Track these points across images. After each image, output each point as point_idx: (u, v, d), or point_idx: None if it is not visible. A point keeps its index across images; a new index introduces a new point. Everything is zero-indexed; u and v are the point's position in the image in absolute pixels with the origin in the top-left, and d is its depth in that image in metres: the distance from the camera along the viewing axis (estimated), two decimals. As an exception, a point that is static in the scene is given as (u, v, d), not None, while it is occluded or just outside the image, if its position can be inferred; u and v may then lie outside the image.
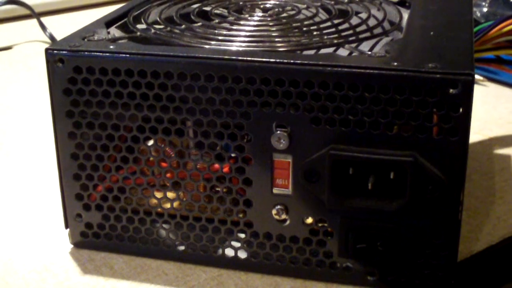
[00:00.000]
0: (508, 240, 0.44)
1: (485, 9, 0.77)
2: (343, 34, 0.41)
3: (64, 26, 0.92)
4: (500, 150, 0.55)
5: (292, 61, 0.36)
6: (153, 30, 0.42)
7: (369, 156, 0.36)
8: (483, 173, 0.52)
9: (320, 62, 0.35)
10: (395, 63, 0.35)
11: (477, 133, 0.58)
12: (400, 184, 0.36)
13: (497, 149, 0.56)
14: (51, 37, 0.83)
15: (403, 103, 0.35)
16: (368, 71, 0.35)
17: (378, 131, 0.36)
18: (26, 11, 0.91)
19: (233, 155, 0.38)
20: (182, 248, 0.41)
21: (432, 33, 0.40)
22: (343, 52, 0.39)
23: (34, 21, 0.88)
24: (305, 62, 0.35)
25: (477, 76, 0.69)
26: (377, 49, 0.40)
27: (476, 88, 0.67)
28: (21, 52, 0.84)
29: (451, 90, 0.34)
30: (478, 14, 0.77)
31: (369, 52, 0.37)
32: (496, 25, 0.52)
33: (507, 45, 0.54)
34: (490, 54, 0.54)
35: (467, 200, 0.48)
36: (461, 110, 0.34)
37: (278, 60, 0.36)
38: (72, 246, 0.43)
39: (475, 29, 0.52)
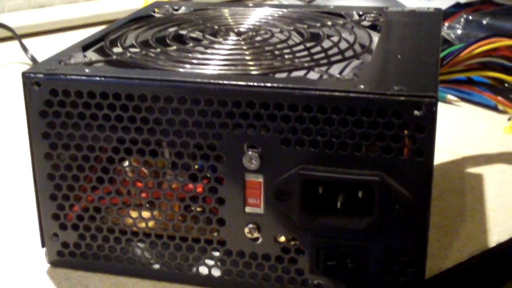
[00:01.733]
0: (476, 257, 0.45)
1: (459, 31, 0.79)
2: (315, 57, 0.42)
3: (46, 48, 0.92)
4: (472, 170, 0.57)
5: (262, 84, 0.37)
6: (128, 54, 0.43)
7: (338, 176, 0.37)
8: (455, 192, 0.53)
9: (290, 85, 0.36)
10: (362, 86, 0.36)
11: (449, 153, 0.59)
12: (369, 203, 0.37)
13: (468, 169, 0.57)
14: (33, 59, 0.84)
15: (370, 124, 0.36)
16: (335, 93, 0.36)
17: (346, 152, 0.37)
18: (7, 33, 0.92)
19: (206, 175, 0.39)
20: (157, 266, 0.42)
21: (399, 56, 0.41)
22: (313, 75, 0.40)
23: (16, 43, 0.89)
24: (275, 85, 0.36)
25: (451, 97, 0.70)
26: (346, 72, 0.41)
27: (450, 108, 0.69)
28: (2, 74, 0.85)
29: (415, 112, 0.35)
30: (453, 36, 0.79)
31: (338, 75, 0.38)
32: (466, 47, 0.53)
33: (478, 67, 0.55)
34: (461, 76, 0.55)
35: (438, 218, 0.49)
36: (425, 131, 0.35)
37: (249, 83, 0.37)
38: (48, 265, 0.44)
39: (447, 51, 0.53)
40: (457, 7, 0.89)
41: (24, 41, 0.88)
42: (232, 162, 0.38)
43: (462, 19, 0.80)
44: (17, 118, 0.69)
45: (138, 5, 0.94)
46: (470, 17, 0.80)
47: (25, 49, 0.86)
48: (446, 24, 0.81)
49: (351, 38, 0.46)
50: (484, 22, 0.79)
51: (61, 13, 1.03)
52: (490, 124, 0.65)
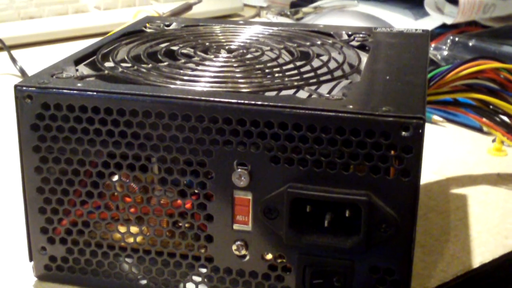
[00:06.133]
0: (460, 277, 0.45)
1: (445, 52, 0.80)
2: (304, 76, 0.43)
3: (35, 59, 0.93)
4: (456, 190, 0.57)
5: (253, 102, 0.37)
6: (120, 69, 0.43)
7: (326, 194, 0.37)
8: (439, 212, 0.53)
9: (280, 104, 0.37)
10: (351, 106, 0.36)
11: (435, 173, 0.60)
12: (355, 222, 0.37)
13: (453, 189, 0.57)
14: (21, 70, 0.84)
15: (358, 144, 0.36)
16: (325, 113, 0.36)
17: (335, 171, 0.37)
18: (-4, 44, 0.92)
19: (195, 191, 0.40)
20: (144, 282, 0.42)
21: (388, 77, 0.42)
22: (303, 94, 0.40)
23: (4, 54, 0.89)
24: (265, 103, 0.37)
25: (436, 117, 0.71)
26: (335, 91, 0.42)
27: (435, 129, 0.70)
28: (-10, 85, 0.85)
29: (403, 133, 0.36)
30: (439, 57, 0.80)
31: (327, 95, 0.39)
32: (453, 70, 0.54)
33: (464, 89, 0.56)
34: (447, 97, 0.56)
35: (423, 238, 0.49)
36: (412, 152, 0.36)
37: (239, 101, 0.37)
38: (36, 279, 0.44)
39: (434, 72, 0.54)
40: (443, 28, 0.90)
41: (13, 52, 0.88)
42: (222, 179, 0.39)
43: (449, 41, 0.81)
44: (6, 130, 0.69)
45: (128, 18, 0.95)
46: (457, 39, 0.81)
47: (14, 60, 0.86)
48: (433, 45, 0.82)
49: (340, 58, 0.47)
50: (470, 44, 0.80)
51: (51, 25, 1.03)
52: (474, 145, 0.66)
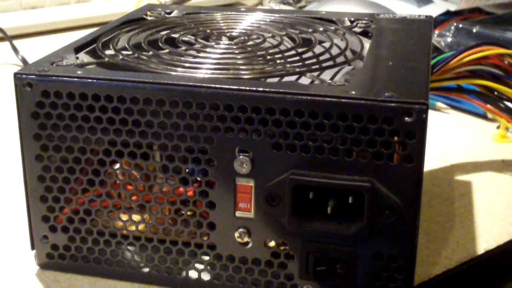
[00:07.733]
0: (465, 264, 0.45)
1: (449, 39, 0.79)
2: (306, 62, 0.42)
3: (37, 49, 0.92)
4: (461, 177, 0.57)
5: (254, 88, 0.37)
6: (120, 56, 0.43)
7: (328, 181, 0.37)
8: (444, 199, 0.53)
9: (281, 90, 0.36)
10: (353, 92, 0.36)
11: (439, 160, 0.60)
12: (358, 209, 0.37)
13: (457, 176, 0.57)
14: (23, 60, 0.84)
15: (361, 130, 0.36)
16: (327, 99, 0.36)
17: (337, 157, 0.37)
18: (-2, 34, 0.92)
19: (197, 178, 0.39)
20: (146, 270, 0.42)
21: (390, 63, 0.42)
22: (305, 80, 0.40)
23: (6, 44, 0.89)
24: (267, 89, 0.37)
25: (440, 104, 0.71)
26: (337, 77, 0.42)
27: (439, 115, 0.70)
28: (-8, 75, 0.84)
29: (406, 118, 0.35)
30: (443, 44, 0.79)
31: (330, 81, 0.38)
32: (456, 56, 0.54)
33: (468, 75, 0.55)
34: (451, 83, 0.56)
35: (427, 225, 0.49)
36: (416, 137, 0.36)
37: (241, 87, 0.37)
38: (38, 267, 0.44)
39: (437, 59, 0.54)
40: (447, 15, 0.89)
41: (15, 42, 0.88)
42: (223, 166, 0.39)
43: (452, 27, 0.80)
44: (7, 119, 0.69)
45: (130, 7, 0.94)
46: (460, 25, 0.80)
47: (15, 50, 0.86)
48: (436, 32, 0.81)
49: (342, 44, 0.46)
50: (474, 30, 0.80)
51: (52, 14, 1.03)
52: (479, 132, 0.66)
